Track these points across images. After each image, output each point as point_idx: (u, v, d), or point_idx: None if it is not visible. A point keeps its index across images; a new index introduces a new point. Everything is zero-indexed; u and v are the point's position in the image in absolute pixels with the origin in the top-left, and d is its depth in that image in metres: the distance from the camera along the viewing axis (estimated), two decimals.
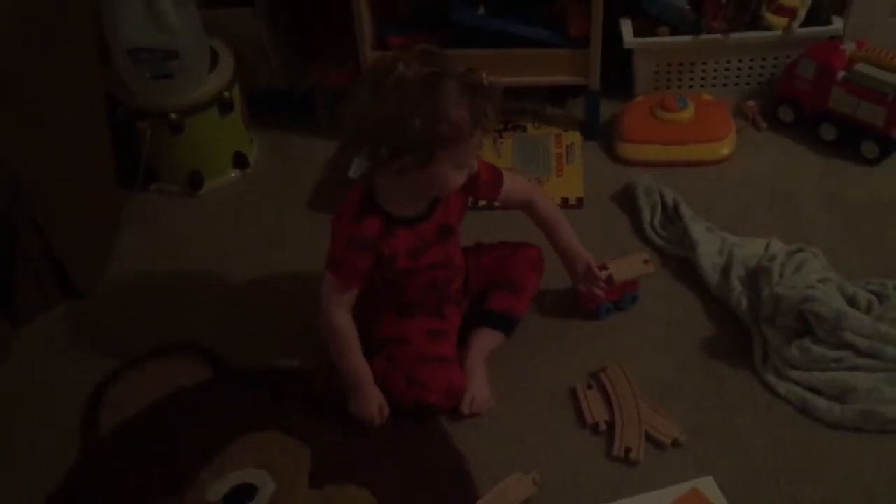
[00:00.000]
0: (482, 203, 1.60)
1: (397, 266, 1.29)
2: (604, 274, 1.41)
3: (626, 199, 1.69)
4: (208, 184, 1.79)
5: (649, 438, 1.28)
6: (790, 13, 1.78)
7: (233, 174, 1.83)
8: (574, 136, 1.84)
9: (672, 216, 1.61)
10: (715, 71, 1.88)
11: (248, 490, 1.23)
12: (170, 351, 1.47)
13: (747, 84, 1.90)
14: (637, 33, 1.82)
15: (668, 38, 1.83)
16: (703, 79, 1.90)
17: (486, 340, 1.41)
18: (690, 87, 1.91)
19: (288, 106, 1.95)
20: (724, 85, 1.90)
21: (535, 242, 1.48)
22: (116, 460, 1.31)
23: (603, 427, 1.30)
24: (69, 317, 1.56)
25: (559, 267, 1.47)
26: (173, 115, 1.68)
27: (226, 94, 1.73)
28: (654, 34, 1.83)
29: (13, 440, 1.37)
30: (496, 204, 1.49)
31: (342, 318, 1.28)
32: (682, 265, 1.54)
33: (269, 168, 1.86)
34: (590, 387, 1.36)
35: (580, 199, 1.70)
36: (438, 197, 1.30)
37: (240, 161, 1.83)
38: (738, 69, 1.88)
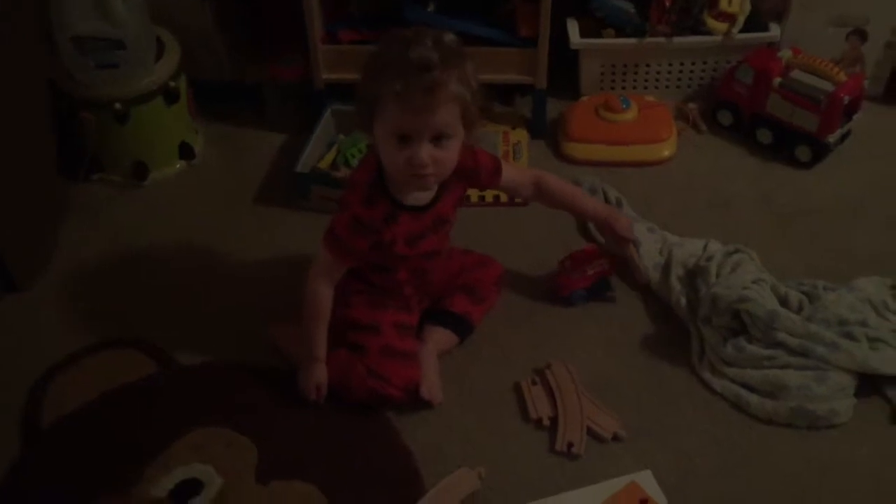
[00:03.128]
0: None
1: (395, 251, 1.31)
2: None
3: None
4: (153, 175, 1.78)
5: (591, 433, 1.31)
6: (730, 19, 1.84)
7: (178, 165, 1.81)
8: (521, 134, 1.87)
9: None
10: (658, 73, 1.93)
11: (193, 485, 1.23)
12: (114, 346, 1.46)
13: (689, 87, 1.96)
14: (583, 34, 1.86)
15: (613, 40, 1.87)
16: (646, 80, 1.94)
17: (442, 339, 1.43)
18: (634, 88, 1.95)
19: (236, 98, 1.94)
20: (667, 87, 1.95)
21: (486, 240, 1.50)
22: (60, 455, 1.29)
23: (546, 422, 1.33)
24: (10, 310, 1.53)
25: (514, 261, 1.51)
26: (118, 105, 1.66)
27: (172, 83, 1.72)
28: (599, 35, 1.87)
29: None
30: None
31: (324, 290, 1.32)
32: (624, 263, 1.58)
33: (216, 160, 1.85)
34: (534, 383, 1.39)
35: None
36: (442, 189, 1.32)
37: (185, 152, 1.81)
38: (680, 72, 1.93)
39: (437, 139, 1.21)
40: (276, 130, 1.90)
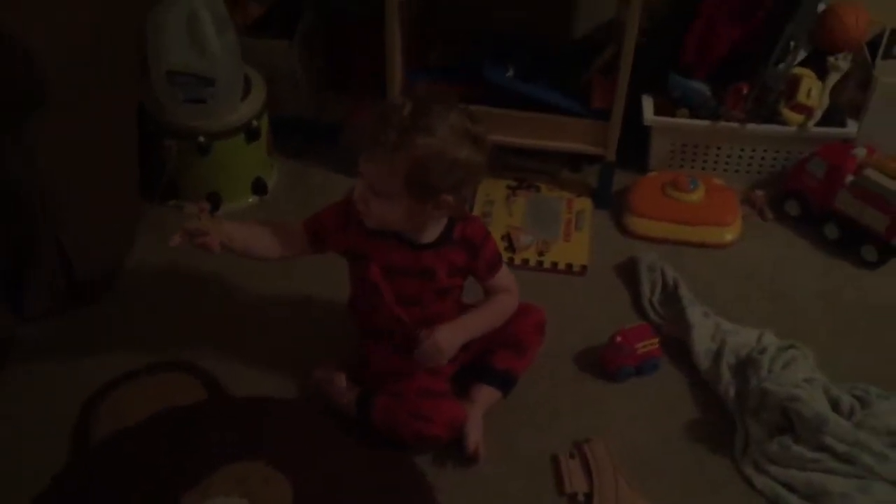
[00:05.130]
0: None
1: (369, 275, 1.35)
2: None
3: (629, 272, 1.73)
4: (226, 206, 1.84)
5: None
6: (807, 111, 1.83)
7: (251, 199, 1.87)
8: (585, 203, 1.89)
9: (671, 295, 1.65)
10: (728, 156, 1.93)
11: None
12: (167, 368, 1.50)
13: (758, 173, 1.95)
14: (657, 112, 1.88)
15: (686, 120, 1.88)
16: (716, 163, 1.95)
17: (487, 397, 1.44)
18: (703, 168, 1.96)
19: (313, 136, 2.00)
20: (736, 171, 1.95)
21: (540, 305, 1.52)
22: (103, 472, 1.33)
23: (581, 498, 1.33)
24: (73, 322, 1.59)
25: (565, 329, 1.53)
26: (201, 138, 1.72)
27: (255, 122, 1.78)
28: (673, 114, 1.89)
29: (3, 440, 1.40)
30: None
31: (270, 228, 1.41)
32: (676, 344, 1.58)
33: (287, 197, 1.90)
34: (572, 456, 1.39)
35: (584, 267, 1.74)
36: (441, 242, 1.36)
37: (259, 187, 1.87)
38: (751, 157, 1.93)
39: (373, 191, 1.27)
40: (348, 172, 1.94)
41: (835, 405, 1.40)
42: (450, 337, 1.34)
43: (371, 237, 1.35)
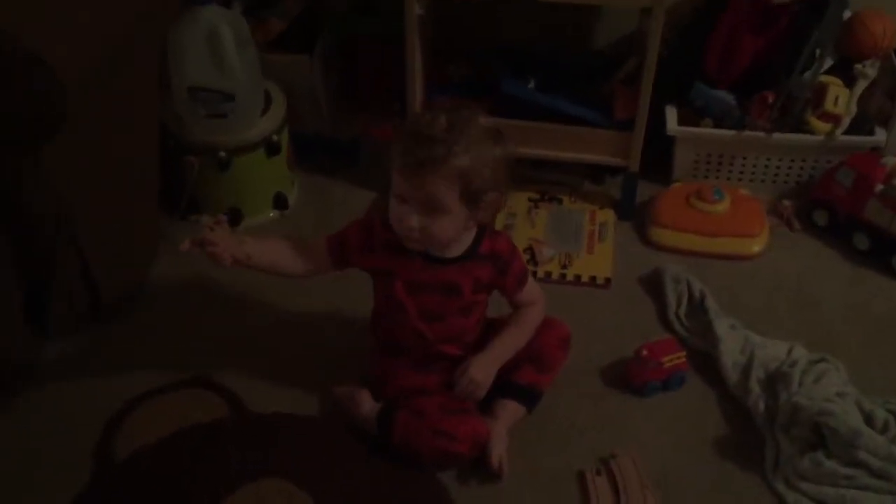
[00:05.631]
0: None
1: (394, 292, 1.35)
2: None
3: (654, 285, 1.71)
4: (246, 221, 1.84)
5: None
6: (835, 120, 1.80)
7: (271, 214, 1.87)
8: (608, 215, 1.87)
9: (697, 308, 1.62)
10: (754, 167, 1.91)
11: None
12: (190, 385, 1.50)
13: (785, 183, 1.92)
14: (681, 122, 1.85)
15: (711, 130, 1.86)
16: (741, 173, 1.92)
17: (511, 412, 1.42)
18: (728, 178, 1.93)
19: (334, 152, 2.00)
20: (762, 181, 1.93)
21: (563, 319, 1.50)
22: (126, 490, 1.33)
23: None
24: (96, 339, 1.60)
25: (589, 343, 1.52)
26: (222, 153, 1.72)
27: (275, 137, 1.78)
28: (697, 124, 1.86)
29: (27, 459, 1.39)
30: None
31: (291, 246, 1.40)
32: (703, 358, 1.55)
33: (308, 212, 1.90)
34: (598, 473, 1.36)
35: (608, 280, 1.72)
36: (467, 256, 1.35)
37: (280, 202, 1.87)
38: (777, 167, 1.90)
39: (430, 211, 1.25)
40: (369, 187, 1.94)
41: (868, 420, 1.36)
42: (485, 368, 1.37)
43: (396, 254, 1.34)
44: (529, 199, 1.90)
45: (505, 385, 1.44)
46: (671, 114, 1.86)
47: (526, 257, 1.74)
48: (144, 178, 1.71)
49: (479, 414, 1.39)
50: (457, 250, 1.35)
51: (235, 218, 1.82)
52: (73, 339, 1.58)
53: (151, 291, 1.69)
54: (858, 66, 1.82)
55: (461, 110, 1.26)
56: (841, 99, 1.80)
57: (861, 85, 1.82)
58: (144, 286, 1.69)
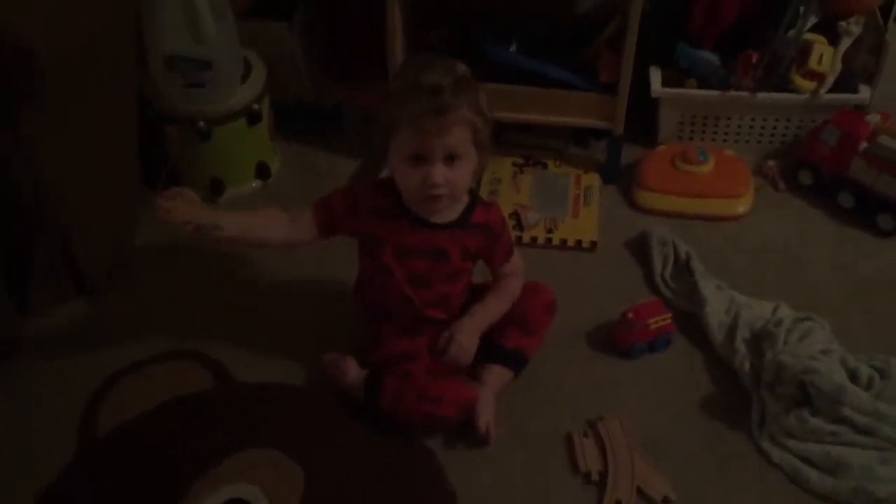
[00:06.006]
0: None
1: (381, 255, 1.35)
2: None
3: (640, 248, 1.70)
4: (229, 191, 1.82)
5: (640, 493, 1.29)
6: (819, 78, 1.79)
7: (254, 184, 1.85)
8: (593, 178, 1.86)
9: (683, 270, 1.62)
10: (739, 127, 1.90)
11: None
12: (175, 357, 1.49)
13: (770, 143, 1.92)
14: (665, 83, 1.84)
15: (695, 91, 1.84)
16: (726, 133, 1.91)
17: (498, 377, 1.42)
18: (713, 140, 1.92)
19: (316, 120, 1.98)
20: (747, 141, 1.92)
21: (549, 283, 1.49)
22: (111, 464, 1.32)
23: (595, 477, 1.31)
24: (79, 313, 1.59)
25: (575, 307, 1.52)
26: (202, 123, 1.70)
27: (255, 105, 1.76)
28: (682, 85, 1.85)
29: (12, 434, 1.39)
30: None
31: (278, 214, 1.39)
32: (688, 319, 1.55)
33: (291, 181, 1.88)
34: (586, 435, 1.37)
35: (594, 243, 1.71)
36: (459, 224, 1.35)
37: (262, 171, 1.85)
38: (762, 128, 1.90)
39: (450, 159, 1.26)
40: (352, 155, 1.93)
41: (853, 376, 1.37)
42: (469, 334, 1.38)
43: (384, 219, 1.34)
44: (514, 164, 1.88)
45: (492, 349, 1.44)
46: (655, 75, 1.85)
47: (511, 222, 1.73)
48: (124, 151, 1.69)
49: (466, 378, 1.39)
50: (448, 216, 1.35)
51: (217, 188, 1.80)
52: (57, 312, 1.57)
53: (135, 264, 1.68)
54: (842, 24, 1.80)
55: (444, 59, 1.29)
56: (825, 57, 1.79)
57: (845, 42, 1.81)
58: (127, 259, 1.68)
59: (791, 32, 1.77)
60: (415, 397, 1.33)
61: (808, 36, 1.79)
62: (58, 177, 1.47)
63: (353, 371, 1.42)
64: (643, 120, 1.88)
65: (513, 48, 1.82)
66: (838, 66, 1.80)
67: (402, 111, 1.24)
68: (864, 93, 1.82)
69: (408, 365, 1.37)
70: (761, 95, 1.82)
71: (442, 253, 1.36)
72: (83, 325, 1.57)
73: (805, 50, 1.79)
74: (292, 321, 1.56)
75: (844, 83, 1.81)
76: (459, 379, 1.38)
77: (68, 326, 1.56)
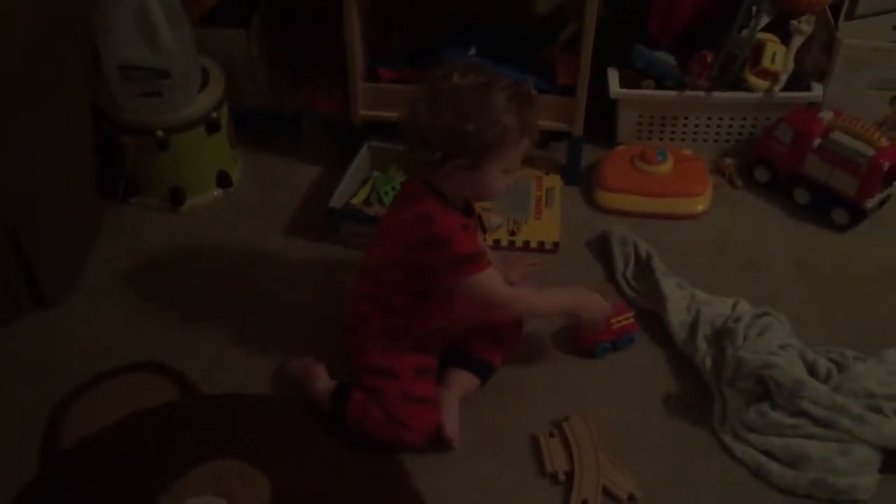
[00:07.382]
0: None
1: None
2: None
3: (601, 248, 1.72)
4: (190, 201, 1.80)
5: (606, 492, 1.30)
6: (772, 77, 1.82)
7: (215, 193, 1.83)
8: (554, 180, 1.87)
9: (644, 269, 1.64)
10: (696, 126, 1.92)
11: None
12: (137, 369, 1.47)
13: (726, 141, 1.94)
14: (623, 84, 1.86)
15: (652, 91, 1.86)
16: (684, 133, 1.94)
17: (464, 384, 1.42)
18: (671, 139, 1.94)
19: (276, 127, 1.97)
20: (704, 140, 1.94)
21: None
22: (75, 479, 1.31)
23: (562, 477, 1.32)
24: (38, 327, 1.56)
25: None
26: (160, 132, 1.68)
27: (214, 114, 1.74)
28: (639, 86, 1.87)
29: None
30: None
31: (508, 290, 1.36)
32: (650, 317, 1.57)
33: (252, 189, 1.87)
34: (552, 436, 1.38)
35: (556, 244, 1.73)
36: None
37: (223, 180, 1.84)
38: (719, 126, 1.92)
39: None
40: (313, 162, 1.92)
41: (811, 370, 1.39)
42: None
43: (466, 229, 1.33)
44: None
45: (459, 355, 1.44)
46: (613, 76, 1.87)
47: None
48: (79, 161, 1.66)
49: (438, 406, 1.37)
50: None
51: (178, 198, 1.78)
52: (14, 326, 1.55)
53: (94, 275, 1.66)
54: (794, 23, 1.84)
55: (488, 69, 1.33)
56: (778, 56, 1.82)
57: (797, 41, 1.84)
58: (86, 270, 1.66)
59: (744, 32, 1.80)
60: (383, 418, 1.32)
61: (761, 35, 1.82)
62: (11, 187, 1.44)
63: (320, 380, 1.41)
64: (602, 121, 1.90)
65: (472, 52, 1.83)
66: (791, 65, 1.83)
67: (514, 119, 1.23)
68: (817, 90, 1.85)
69: (383, 381, 1.36)
70: (717, 95, 1.84)
71: None
72: (42, 338, 1.54)
73: (758, 49, 1.82)
74: (254, 333, 1.55)
75: (797, 81, 1.85)
76: (430, 406, 1.35)
77: (27, 340, 1.54)
